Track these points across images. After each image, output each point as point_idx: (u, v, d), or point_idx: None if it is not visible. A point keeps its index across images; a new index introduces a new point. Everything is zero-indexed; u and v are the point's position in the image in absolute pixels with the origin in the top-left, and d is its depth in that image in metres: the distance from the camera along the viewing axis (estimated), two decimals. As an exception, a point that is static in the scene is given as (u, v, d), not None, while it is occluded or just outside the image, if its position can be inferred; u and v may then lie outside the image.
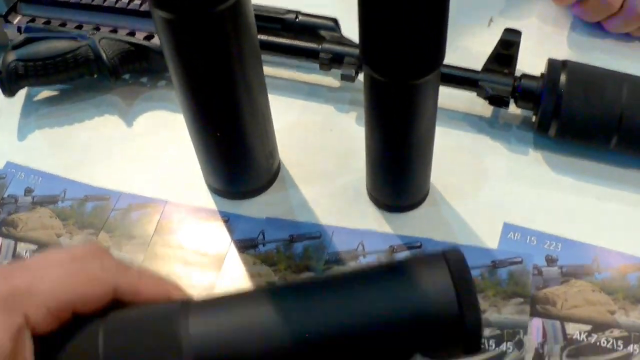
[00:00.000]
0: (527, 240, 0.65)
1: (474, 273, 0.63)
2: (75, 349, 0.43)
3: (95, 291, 0.44)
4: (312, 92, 0.78)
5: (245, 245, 0.67)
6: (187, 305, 0.45)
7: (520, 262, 0.64)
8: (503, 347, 0.60)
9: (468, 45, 0.77)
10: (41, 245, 0.69)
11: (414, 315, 0.43)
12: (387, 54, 0.51)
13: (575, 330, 0.60)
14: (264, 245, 0.67)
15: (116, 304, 0.44)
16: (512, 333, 0.60)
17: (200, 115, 0.61)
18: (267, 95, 0.63)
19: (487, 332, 0.60)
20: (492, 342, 0.60)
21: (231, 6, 0.52)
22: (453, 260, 0.45)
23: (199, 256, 0.67)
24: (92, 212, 0.71)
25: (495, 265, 0.64)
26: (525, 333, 0.60)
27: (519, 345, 0.60)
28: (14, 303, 0.41)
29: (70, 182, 0.73)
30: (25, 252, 0.69)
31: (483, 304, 0.62)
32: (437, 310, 0.43)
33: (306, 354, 0.43)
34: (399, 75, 0.53)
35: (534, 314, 0.61)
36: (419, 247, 0.66)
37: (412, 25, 0.48)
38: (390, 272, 0.46)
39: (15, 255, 0.69)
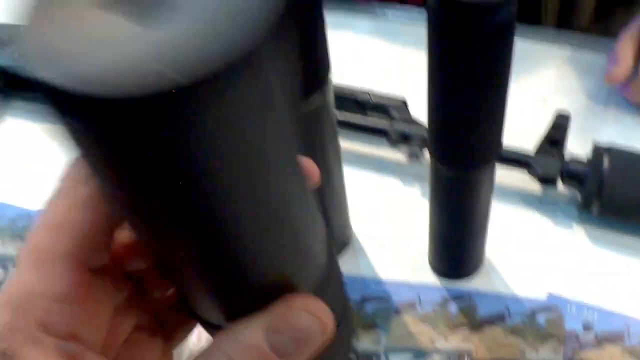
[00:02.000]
0: (568, 310, 0.72)
1: (516, 319, 0.71)
2: None
3: None
4: (382, 165, 0.86)
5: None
6: None
7: (558, 312, 0.72)
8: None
9: (522, 123, 0.83)
10: None
11: None
12: (450, 150, 0.59)
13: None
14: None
15: None
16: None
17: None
18: (342, 172, 0.71)
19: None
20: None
21: (318, 107, 0.60)
22: None
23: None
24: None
25: (535, 311, 0.72)
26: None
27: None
28: None
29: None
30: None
31: (523, 345, 0.69)
32: None
33: None
34: (460, 168, 0.60)
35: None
36: (469, 298, 0.73)
37: (474, 128, 0.56)
38: None
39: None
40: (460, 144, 0.58)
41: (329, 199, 0.71)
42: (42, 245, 0.34)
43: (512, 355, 0.69)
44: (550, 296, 0.73)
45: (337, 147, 0.68)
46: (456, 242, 0.71)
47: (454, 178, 0.62)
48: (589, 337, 0.70)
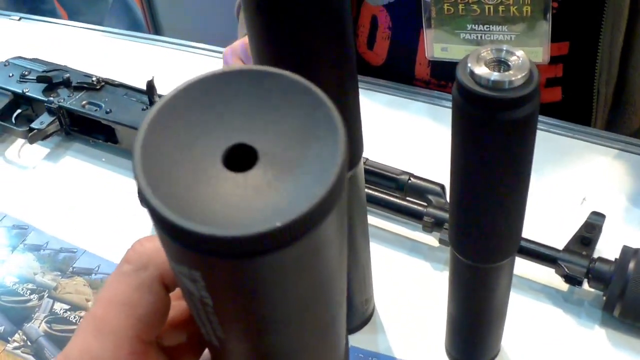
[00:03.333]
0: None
1: None
2: None
3: None
4: (414, 248, 0.86)
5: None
6: None
7: None
8: None
9: (559, 222, 0.84)
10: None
11: None
12: (468, 242, 0.60)
13: None
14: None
15: None
16: None
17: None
18: (369, 249, 0.72)
19: None
20: None
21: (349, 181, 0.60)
22: None
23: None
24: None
25: None
26: None
27: None
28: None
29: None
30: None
31: None
32: None
33: None
34: (478, 260, 0.61)
35: None
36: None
37: (492, 220, 0.56)
38: None
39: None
40: (478, 236, 0.58)
41: (353, 274, 0.71)
42: (105, 318, 0.40)
43: None
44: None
45: (364, 224, 0.69)
46: (471, 331, 0.71)
47: (471, 268, 0.62)
48: None
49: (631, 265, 0.74)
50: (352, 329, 0.78)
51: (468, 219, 0.58)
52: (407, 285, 0.83)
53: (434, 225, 0.81)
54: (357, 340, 0.77)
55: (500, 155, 0.51)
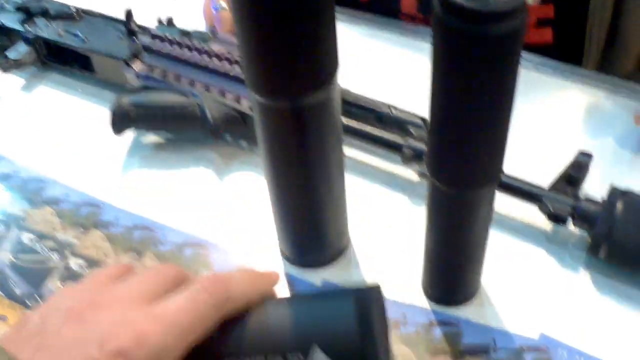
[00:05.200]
0: (559, 353, 0.68)
1: (501, 355, 0.68)
2: None
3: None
4: (392, 181, 0.84)
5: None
6: None
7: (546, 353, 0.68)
8: None
9: (543, 159, 0.81)
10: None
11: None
12: (449, 169, 0.57)
13: None
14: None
15: None
16: None
17: (279, 188, 0.67)
18: (344, 180, 0.69)
19: None
20: None
21: (319, 102, 0.58)
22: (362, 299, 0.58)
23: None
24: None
25: (522, 349, 0.68)
26: None
27: None
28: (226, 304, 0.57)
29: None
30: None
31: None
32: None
33: None
34: (458, 187, 0.58)
35: None
36: (456, 325, 0.70)
37: (474, 144, 0.53)
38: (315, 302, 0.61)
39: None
40: (458, 161, 0.56)
41: (327, 206, 0.69)
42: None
43: None
44: (543, 336, 0.70)
45: (339, 153, 0.66)
46: (450, 266, 0.68)
47: (450, 197, 0.60)
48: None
49: (619, 205, 0.71)
50: (326, 262, 0.75)
51: (447, 143, 0.55)
52: (384, 220, 0.80)
53: (414, 157, 0.78)
54: (330, 274, 0.75)
55: (483, 74, 0.48)
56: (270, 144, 0.62)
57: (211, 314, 0.55)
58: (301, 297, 0.65)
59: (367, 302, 0.58)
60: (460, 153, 0.55)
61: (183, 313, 0.53)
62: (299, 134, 0.60)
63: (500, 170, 0.59)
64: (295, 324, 0.57)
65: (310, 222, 0.70)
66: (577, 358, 0.68)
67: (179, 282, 0.58)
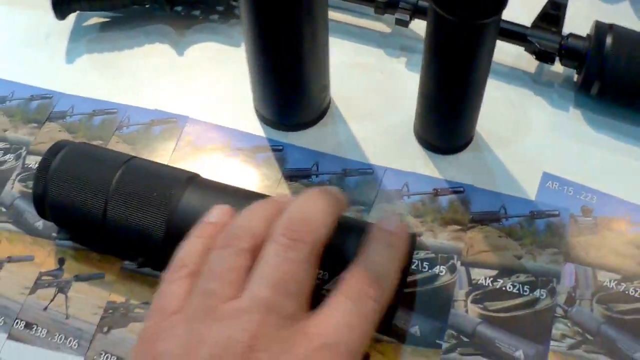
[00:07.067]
0: (565, 191, 0.67)
1: (513, 221, 0.66)
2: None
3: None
4: (364, 35, 0.80)
5: (298, 175, 0.69)
6: (193, 179, 0.59)
7: (558, 215, 0.66)
8: (537, 293, 0.62)
9: (516, 8, 0.78)
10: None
11: None
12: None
13: (605, 278, 0.63)
14: (317, 176, 0.69)
15: None
16: (546, 281, 0.62)
17: (261, 40, 0.63)
18: (327, 30, 0.65)
19: (522, 277, 0.63)
20: (526, 288, 0.62)
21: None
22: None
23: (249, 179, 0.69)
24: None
25: (533, 216, 0.66)
26: (558, 282, 0.62)
27: (552, 293, 0.62)
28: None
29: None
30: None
31: (520, 251, 0.64)
32: None
33: None
34: (468, 15, 0.54)
35: (567, 259, 0.64)
36: (462, 192, 0.68)
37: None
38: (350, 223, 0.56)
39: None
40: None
41: (311, 57, 0.65)
42: None
43: (506, 260, 0.64)
44: (545, 175, 0.68)
45: (324, 7, 0.63)
46: (449, 108, 0.65)
47: (458, 29, 0.56)
48: (588, 221, 0.66)
49: (608, 39, 0.69)
50: (310, 121, 0.72)
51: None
52: (362, 74, 0.77)
53: (387, 6, 0.75)
54: (317, 136, 0.72)
55: None
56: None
57: (377, 318, 0.48)
58: (354, 224, 0.59)
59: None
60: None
61: (355, 334, 0.46)
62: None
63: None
64: (341, 250, 0.53)
65: (295, 75, 0.66)
66: (583, 193, 0.67)
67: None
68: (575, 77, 0.73)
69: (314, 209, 0.50)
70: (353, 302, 0.46)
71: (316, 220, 0.49)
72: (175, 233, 0.55)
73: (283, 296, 0.45)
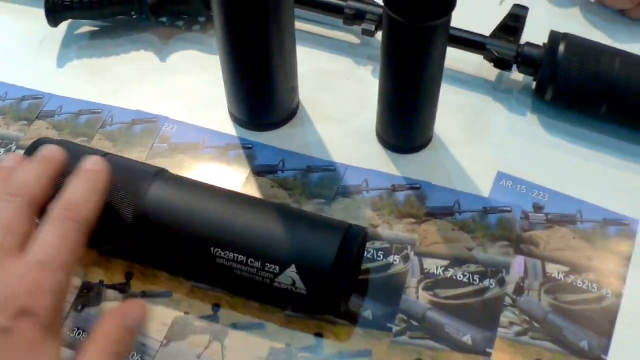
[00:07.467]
0: (518, 189, 0.71)
1: (466, 216, 0.69)
2: None
3: None
4: (334, 45, 0.84)
5: (265, 171, 0.73)
6: (162, 173, 0.64)
7: (509, 211, 0.69)
8: (486, 282, 0.65)
9: (478, 22, 0.80)
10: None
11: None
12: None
13: (554, 270, 0.66)
14: (282, 172, 0.72)
15: None
16: (495, 271, 0.66)
17: (232, 46, 0.67)
18: (294, 36, 0.69)
19: (472, 267, 0.66)
20: (476, 277, 0.65)
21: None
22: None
23: (220, 174, 0.73)
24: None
25: (486, 211, 0.70)
26: (507, 273, 0.66)
27: (501, 282, 0.65)
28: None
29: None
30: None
31: (472, 243, 0.68)
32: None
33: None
34: (417, 17, 0.59)
35: (517, 252, 0.67)
36: (419, 188, 0.71)
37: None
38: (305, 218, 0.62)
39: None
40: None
41: (277, 61, 0.69)
42: None
43: (458, 251, 0.68)
44: (500, 174, 0.72)
45: (290, 14, 0.67)
46: (405, 108, 0.69)
47: (408, 30, 0.60)
48: (539, 217, 0.69)
49: (561, 47, 0.72)
50: (279, 122, 0.76)
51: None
52: (331, 81, 0.81)
53: (356, 17, 0.79)
54: (285, 136, 0.76)
55: None
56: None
57: (82, 237, 0.55)
58: (295, 212, 0.65)
59: (352, 241, 0.59)
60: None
61: (62, 249, 0.53)
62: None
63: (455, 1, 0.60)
64: (282, 239, 0.59)
65: (264, 79, 0.70)
66: (535, 191, 0.71)
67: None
68: (533, 84, 0.77)
69: (79, 187, 0.58)
70: (54, 225, 0.54)
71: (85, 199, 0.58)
72: (142, 222, 0.61)
73: (2, 235, 0.53)
